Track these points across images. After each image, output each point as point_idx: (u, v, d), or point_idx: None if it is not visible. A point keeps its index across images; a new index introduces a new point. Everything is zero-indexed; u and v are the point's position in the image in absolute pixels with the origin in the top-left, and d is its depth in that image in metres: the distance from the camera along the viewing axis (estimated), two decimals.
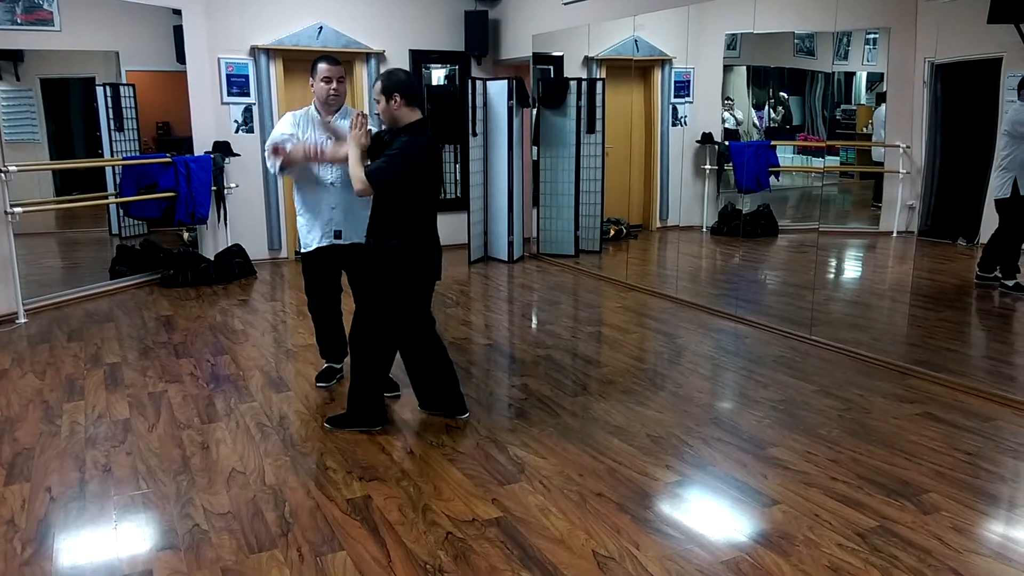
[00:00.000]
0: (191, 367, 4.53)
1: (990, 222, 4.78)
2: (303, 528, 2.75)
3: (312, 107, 3.88)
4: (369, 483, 3.09)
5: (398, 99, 3.35)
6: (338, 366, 4.30)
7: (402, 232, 3.40)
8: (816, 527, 2.74)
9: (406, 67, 7.99)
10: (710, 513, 2.90)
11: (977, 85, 4.75)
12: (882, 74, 5.53)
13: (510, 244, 7.61)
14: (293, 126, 3.84)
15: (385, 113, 3.42)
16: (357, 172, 3.34)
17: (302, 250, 4.00)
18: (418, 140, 3.36)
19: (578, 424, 3.68)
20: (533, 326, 5.63)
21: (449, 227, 8.42)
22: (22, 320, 5.50)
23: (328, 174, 3.83)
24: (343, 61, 7.71)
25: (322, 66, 3.79)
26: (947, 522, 2.77)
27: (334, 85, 3.79)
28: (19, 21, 6.13)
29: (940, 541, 2.65)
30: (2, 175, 5.37)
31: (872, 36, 5.49)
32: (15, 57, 6.25)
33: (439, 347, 3.71)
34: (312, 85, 3.83)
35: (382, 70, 7.87)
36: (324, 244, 3.91)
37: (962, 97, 4.84)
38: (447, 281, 6.90)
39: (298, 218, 3.97)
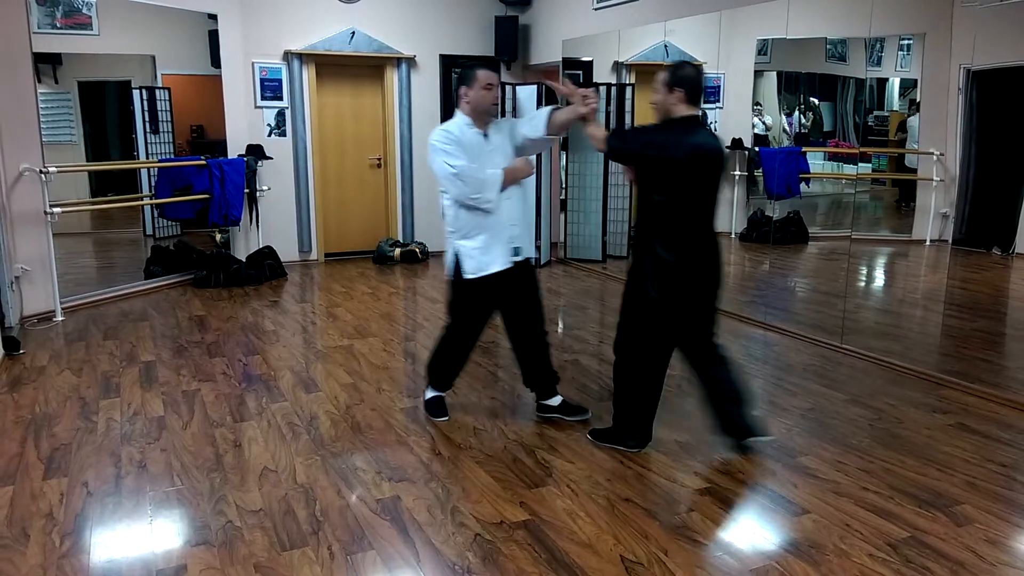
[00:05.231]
0: (223, 366, 4.60)
1: None
2: (334, 527, 2.79)
3: (463, 121, 3.47)
4: (398, 484, 3.12)
5: (680, 93, 3.11)
6: (548, 401, 3.84)
7: (661, 222, 3.17)
8: (847, 537, 2.72)
9: (436, 72, 8.06)
10: (739, 521, 2.89)
11: (1015, 92, 4.68)
12: (916, 80, 5.47)
13: (537, 249, 7.62)
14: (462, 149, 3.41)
15: (660, 104, 3.17)
16: (596, 131, 3.32)
17: (472, 275, 3.48)
18: (673, 131, 3.15)
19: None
20: (560, 331, 5.64)
21: None
22: (59, 318, 5.61)
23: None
24: (374, 66, 7.90)
25: (484, 73, 3.42)
26: (980, 534, 2.74)
27: (496, 92, 3.46)
28: (59, 25, 6.27)
29: (973, 553, 2.62)
30: (42, 176, 5.49)
31: (906, 42, 5.43)
32: (54, 60, 6.38)
33: (711, 371, 3.37)
34: (465, 95, 3.44)
35: (413, 75, 8.00)
36: (507, 266, 3.51)
37: (999, 104, 4.77)
38: None
39: (463, 241, 3.48)
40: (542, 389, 3.82)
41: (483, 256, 3.47)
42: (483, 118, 3.48)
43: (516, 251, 3.55)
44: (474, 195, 3.39)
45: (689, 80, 3.12)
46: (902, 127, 5.61)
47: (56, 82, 6.48)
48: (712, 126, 6.79)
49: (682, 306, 3.24)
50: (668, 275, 3.18)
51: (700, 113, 3.17)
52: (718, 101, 6.74)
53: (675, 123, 3.15)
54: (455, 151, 3.38)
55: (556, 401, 3.82)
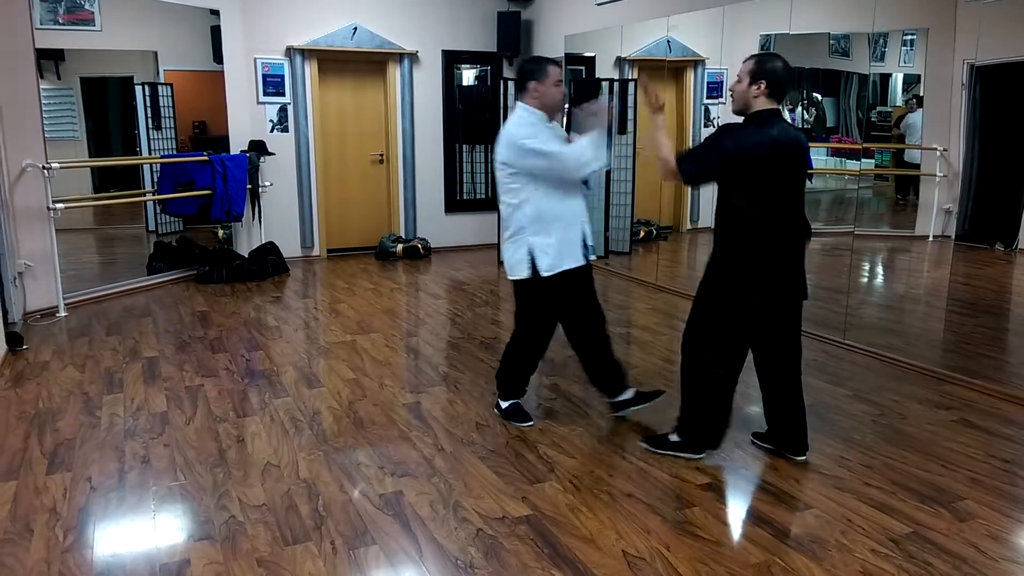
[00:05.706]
0: (226, 362, 4.61)
1: None
2: (336, 522, 2.79)
3: (534, 116, 3.41)
4: (401, 479, 3.13)
5: (762, 86, 2.96)
6: (622, 397, 3.73)
7: (745, 224, 3.00)
8: (849, 532, 2.73)
9: (438, 68, 8.05)
10: (741, 516, 2.89)
11: (1018, 87, 4.66)
12: (919, 76, 5.46)
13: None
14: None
15: (740, 96, 3.03)
16: (666, 153, 3.09)
17: (548, 272, 3.41)
18: (749, 127, 3.00)
19: (608, 424, 3.68)
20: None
21: (479, 227, 8.50)
22: (62, 314, 5.62)
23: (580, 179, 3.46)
24: (376, 61, 7.89)
25: (555, 69, 3.39)
26: (983, 529, 2.74)
27: (564, 89, 3.51)
28: (61, 21, 6.27)
29: (976, 549, 2.62)
30: (45, 172, 5.50)
31: (909, 37, 5.42)
32: (56, 56, 6.38)
33: (785, 381, 3.23)
34: (535, 90, 3.37)
35: (415, 71, 7.99)
36: (581, 263, 3.48)
37: (1002, 100, 4.76)
38: (477, 281, 6.94)
39: (537, 238, 3.39)
40: (612, 387, 3.71)
41: (559, 252, 3.41)
42: (552, 114, 3.46)
43: (592, 248, 3.54)
44: (580, 167, 3.33)
45: (774, 73, 2.97)
46: (897, 123, 5.60)
47: (59, 78, 6.48)
48: (715, 121, 6.80)
49: (767, 311, 3.09)
50: (757, 281, 3.03)
51: (781, 107, 3.03)
52: (721, 97, 6.73)
53: (752, 118, 3.02)
54: (545, 138, 3.33)
55: (630, 394, 3.71)
